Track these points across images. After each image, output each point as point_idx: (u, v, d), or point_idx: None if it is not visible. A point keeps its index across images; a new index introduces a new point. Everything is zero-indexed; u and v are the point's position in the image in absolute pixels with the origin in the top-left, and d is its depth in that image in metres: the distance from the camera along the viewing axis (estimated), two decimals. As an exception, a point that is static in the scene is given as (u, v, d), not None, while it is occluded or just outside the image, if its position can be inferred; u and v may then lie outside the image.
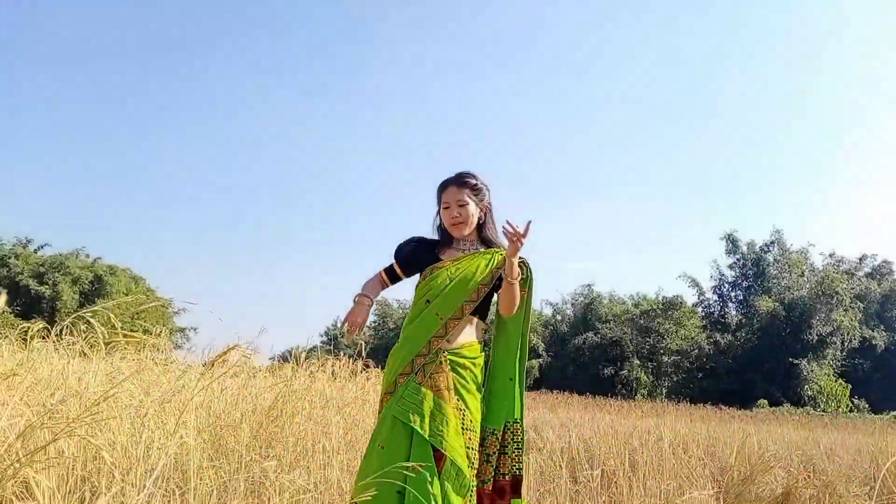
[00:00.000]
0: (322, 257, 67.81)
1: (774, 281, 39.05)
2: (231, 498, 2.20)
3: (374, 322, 53.18)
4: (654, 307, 39.49)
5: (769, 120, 62.14)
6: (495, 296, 2.95)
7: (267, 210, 65.40)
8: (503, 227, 2.71)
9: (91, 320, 1.94)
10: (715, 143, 62.15)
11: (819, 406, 31.99)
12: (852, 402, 33.44)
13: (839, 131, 61.53)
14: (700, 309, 41.50)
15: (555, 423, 9.16)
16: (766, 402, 31.32)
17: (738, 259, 41.01)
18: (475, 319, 2.89)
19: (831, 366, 35.69)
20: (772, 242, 40.53)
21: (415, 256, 2.96)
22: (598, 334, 39.40)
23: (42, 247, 34.87)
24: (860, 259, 41.24)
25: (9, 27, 54.59)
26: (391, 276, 2.98)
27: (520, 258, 2.86)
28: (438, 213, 2.98)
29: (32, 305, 31.79)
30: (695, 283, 41.41)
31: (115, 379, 2.50)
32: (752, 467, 4.24)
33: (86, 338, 2.88)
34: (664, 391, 36.97)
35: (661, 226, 62.92)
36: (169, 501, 2.11)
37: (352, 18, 68.65)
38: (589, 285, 43.78)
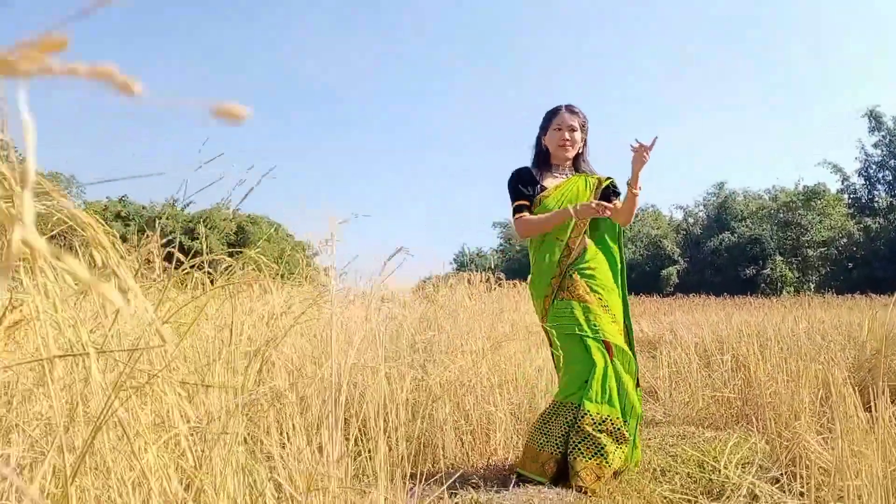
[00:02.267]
0: (440, 197, 69.52)
1: (928, 155, 35.38)
2: (399, 388, 2.66)
3: (501, 245, 53.95)
4: (795, 199, 37.17)
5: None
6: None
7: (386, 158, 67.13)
8: (631, 144, 2.92)
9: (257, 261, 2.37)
10: (843, 14, 56.68)
11: None
12: None
13: None
14: (846, 195, 38.34)
15: (690, 323, 9.27)
16: (927, 286, 29.12)
17: (883, 136, 36.83)
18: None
19: None
20: (921, 112, 36.25)
21: (531, 192, 3.17)
22: (735, 233, 37.74)
23: (188, 204, 37.51)
24: None
25: None
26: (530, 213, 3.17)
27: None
28: (540, 136, 3.25)
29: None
30: (837, 169, 37.97)
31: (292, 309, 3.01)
32: (887, 341, 4.29)
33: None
34: (812, 286, 35.13)
35: (794, 113, 58.80)
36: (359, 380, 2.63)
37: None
38: (721, 183, 41.75)
